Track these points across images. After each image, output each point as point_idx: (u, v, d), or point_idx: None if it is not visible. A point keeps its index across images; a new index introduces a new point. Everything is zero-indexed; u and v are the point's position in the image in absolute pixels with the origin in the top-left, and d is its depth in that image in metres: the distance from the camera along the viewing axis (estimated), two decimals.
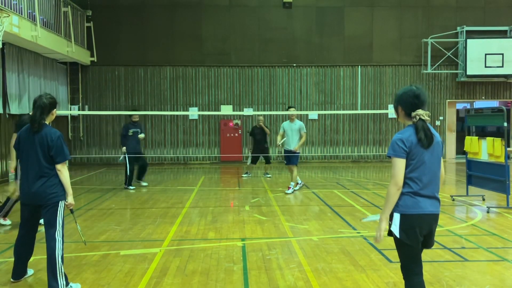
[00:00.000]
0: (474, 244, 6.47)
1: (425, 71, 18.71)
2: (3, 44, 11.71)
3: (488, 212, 8.71)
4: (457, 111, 19.83)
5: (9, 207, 7.70)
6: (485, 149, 9.32)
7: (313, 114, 18.72)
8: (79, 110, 18.39)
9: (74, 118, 18.51)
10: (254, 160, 14.00)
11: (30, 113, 5.06)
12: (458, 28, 18.89)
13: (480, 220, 8.03)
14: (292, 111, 11.25)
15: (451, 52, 18.70)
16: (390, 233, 3.61)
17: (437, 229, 3.72)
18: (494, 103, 19.84)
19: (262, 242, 6.65)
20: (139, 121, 12.28)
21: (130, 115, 12.19)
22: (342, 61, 18.99)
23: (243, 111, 18.72)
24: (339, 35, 18.92)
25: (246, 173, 14.33)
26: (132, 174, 11.94)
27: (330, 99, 19.07)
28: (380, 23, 18.94)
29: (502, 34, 18.76)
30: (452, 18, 18.99)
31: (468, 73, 18.28)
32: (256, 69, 18.89)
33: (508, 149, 8.84)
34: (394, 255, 3.84)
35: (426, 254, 5.56)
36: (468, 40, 18.18)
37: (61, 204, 4.74)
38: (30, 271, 5.21)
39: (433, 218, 3.55)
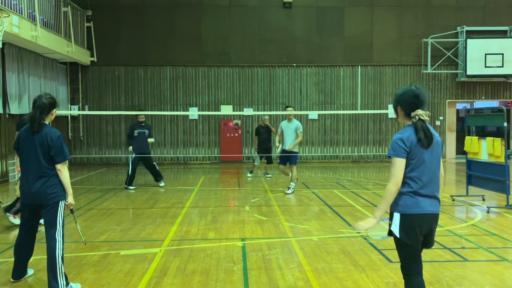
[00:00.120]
0: (474, 244, 6.47)
1: (425, 71, 18.71)
2: (3, 44, 11.70)
3: (488, 212, 8.71)
4: (457, 111, 19.83)
5: (20, 206, 7.71)
6: (485, 149, 9.32)
7: (313, 114, 18.72)
8: (79, 110, 18.39)
9: (74, 118, 18.51)
10: (260, 159, 14.05)
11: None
12: (458, 28, 18.90)
13: (480, 220, 8.03)
14: (290, 111, 11.20)
15: (451, 52, 18.70)
16: (390, 233, 3.62)
17: (437, 229, 3.72)
18: (494, 103, 19.84)
19: (262, 242, 6.65)
20: (145, 121, 12.13)
21: (136, 115, 12.09)
22: (342, 61, 18.99)
23: (243, 111, 18.72)
24: (339, 35, 18.92)
25: (251, 172, 14.33)
26: (133, 175, 11.86)
27: (330, 99, 19.08)
28: (380, 23, 18.94)
29: (502, 34, 18.76)
30: (452, 18, 18.99)
31: (468, 73, 18.29)
32: (256, 69, 18.89)
33: (508, 150, 8.84)
34: (394, 255, 3.85)
35: (426, 254, 5.56)
36: (468, 40, 18.18)
37: (61, 204, 4.74)
38: (30, 271, 5.21)
39: (433, 218, 3.55)
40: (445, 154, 19.20)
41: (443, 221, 7.77)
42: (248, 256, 5.95)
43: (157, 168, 12.11)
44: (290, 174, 11.23)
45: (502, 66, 18.09)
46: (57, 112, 5.01)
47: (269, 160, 14.19)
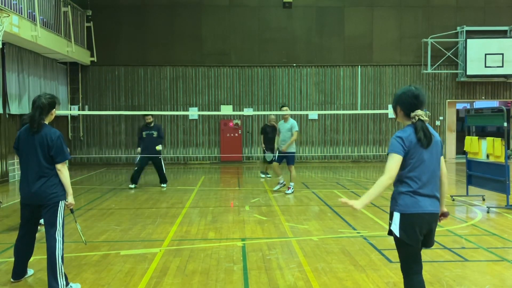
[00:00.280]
0: (474, 244, 6.47)
1: (425, 71, 18.71)
2: (3, 44, 11.70)
3: (488, 212, 8.71)
4: (457, 111, 19.83)
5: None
6: (485, 149, 9.32)
7: (313, 114, 18.72)
8: (79, 110, 18.39)
9: (74, 118, 18.51)
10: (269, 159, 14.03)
11: None
12: (458, 28, 18.89)
13: (480, 220, 8.03)
14: (285, 110, 11.02)
15: (451, 52, 18.70)
16: (390, 233, 3.62)
17: (437, 229, 3.73)
18: (494, 103, 19.84)
19: (262, 242, 6.65)
20: (154, 122, 12.11)
21: (144, 117, 12.20)
22: (342, 61, 18.99)
23: (243, 111, 18.72)
24: (339, 35, 18.92)
25: (264, 173, 14.20)
26: (136, 174, 11.93)
27: (330, 99, 19.07)
28: (380, 23, 18.94)
29: (502, 34, 18.76)
30: (452, 18, 18.99)
31: (468, 73, 18.29)
32: (256, 69, 18.89)
33: (508, 150, 8.84)
34: (394, 255, 3.85)
35: (426, 254, 5.56)
36: (468, 40, 18.18)
37: (61, 204, 4.74)
38: (30, 271, 5.21)
39: (433, 217, 3.56)
40: (445, 154, 19.19)
41: (443, 221, 7.75)
42: (248, 256, 5.95)
43: (164, 172, 12.16)
44: (281, 174, 11.19)
45: (502, 66, 18.09)
46: (57, 112, 5.01)
47: (271, 160, 14.17)
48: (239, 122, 18.70)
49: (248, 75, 18.90)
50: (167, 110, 18.59)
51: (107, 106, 18.52)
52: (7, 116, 13.30)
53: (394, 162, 3.45)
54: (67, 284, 4.70)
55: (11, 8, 11.70)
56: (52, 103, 4.83)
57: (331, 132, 19.11)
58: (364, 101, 19.06)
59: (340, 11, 18.89)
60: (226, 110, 18.59)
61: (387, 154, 3.53)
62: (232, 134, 18.65)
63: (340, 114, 18.70)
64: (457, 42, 18.79)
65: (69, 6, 16.07)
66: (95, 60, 18.32)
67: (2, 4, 11.17)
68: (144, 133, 11.83)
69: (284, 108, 11.16)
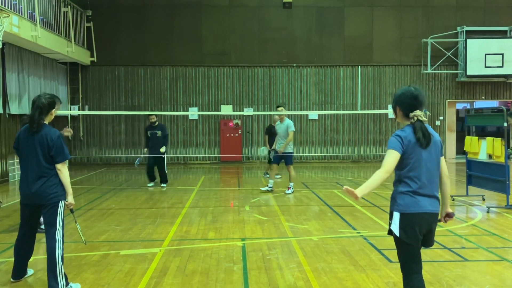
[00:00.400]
0: (474, 244, 6.47)
1: (425, 71, 18.71)
2: (3, 44, 11.70)
3: (488, 212, 8.71)
4: (457, 111, 19.83)
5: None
6: (485, 149, 9.32)
7: (313, 114, 18.72)
8: (79, 110, 18.39)
9: (74, 118, 18.51)
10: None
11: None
12: (458, 28, 18.89)
13: (480, 220, 8.04)
14: (280, 111, 10.94)
15: (451, 52, 18.70)
16: (390, 232, 3.63)
17: (437, 229, 3.74)
18: (494, 103, 19.84)
19: (262, 242, 6.65)
20: (158, 121, 12.21)
21: (148, 116, 12.34)
22: (342, 61, 18.98)
23: (243, 111, 18.72)
24: (339, 35, 18.92)
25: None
26: (149, 170, 12.12)
27: (330, 99, 19.07)
28: (380, 23, 18.94)
29: (502, 34, 18.76)
30: (452, 18, 18.99)
31: (468, 73, 18.29)
32: (256, 69, 18.89)
33: (508, 149, 8.85)
34: (394, 255, 3.85)
35: (426, 254, 5.57)
36: (468, 40, 18.18)
37: (61, 204, 4.74)
38: (30, 271, 5.21)
39: (433, 217, 3.57)
40: (445, 154, 19.17)
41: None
42: (248, 256, 5.95)
43: (166, 172, 12.22)
44: (275, 174, 11.14)
45: (502, 66, 18.09)
46: (57, 112, 5.01)
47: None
48: (239, 122, 18.70)
49: (248, 75, 18.90)
50: (167, 110, 18.59)
51: (107, 106, 18.52)
52: (7, 116, 13.30)
53: (391, 157, 3.48)
54: (67, 284, 4.70)
55: (11, 8, 11.70)
56: (52, 103, 4.83)
57: (331, 132, 19.10)
58: (364, 101, 19.06)
59: (340, 11, 18.89)
60: (226, 110, 18.59)
61: (386, 152, 3.57)
62: (232, 134, 18.66)
63: (340, 114, 18.71)
64: (457, 42, 18.79)
65: (69, 6, 16.07)
66: (95, 60, 18.32)
67: (2, 4, 11.17)
68: (148, 132, 12.05)
69: (280, 108, 11.07)
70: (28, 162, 4.73)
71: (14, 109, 13.54)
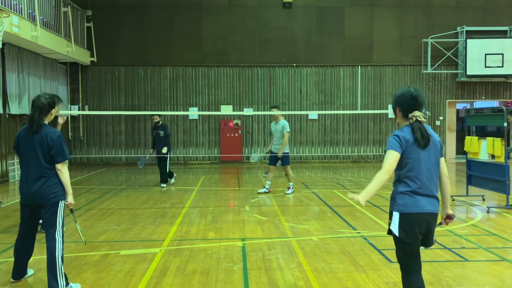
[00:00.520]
0: (474, 244, 6.47)
1: (425, 71, 18.71)
2: (3, 44, 11.71)
3: (488, 212, 8.71)
4: (457, 111, 19.83)
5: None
6: (485, 149, 9.32)
7: (313, 114, 18.72)
8: (79, 110, 18.39)
9: (74, 118, 18.51)
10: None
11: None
12: (458, 28, 18.89)
13: (480, 220, 8.03)
14: (274, 111, 10.90)
15: (451, 52, 18.70)
16: (390, 232, 3.64)
17: (437, 229, 3.73)
18: (494, 103, 19.84)
19: (262, 242, 6.65)
20: (161, 121, 12.24)
21: (151, 116, 12.56)
22: (342, 61, 18.99)
23: (243, 111, 18.72)
24: (339, 35, 18.92)
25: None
26: (161, 172, 12.19)
27: (330, 99, 19.07)
28: (380, 23, 18.94)
29: (502, 34, 18.77)
30: (452, 18, 18.99)
31: (468, 73, 18.29)
32: (256, 69, 18.89)
33: (508, 148, 8.85)
34: (394, 255, 3.85)
35: (426, 254, 5.57)
36: (468, 40, 18.19)
37: (61, 204, 4.74)
38: (30, 271, 5.21)
39: (432, 217, 3.58)
40: (445, 154, 19.19)
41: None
42: (248, 256, 5.95)
43: (167, 172, 12.23)
44: (272, 175, 11.09)
45: (502, 66, 18.09)
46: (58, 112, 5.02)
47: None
48: (239, 122, 18.70)
49: (248, 75, 18.90)
50: (167, 110, 18.59)
51: (107, 106, 18.52)
52: (7, 116, 13.31)
53: (391, 157, 3.50)
54: (67, 284, 4.70)
55: (11, 8, 11.70)
56: (52, 103, 4.83)
57: (331, 132, 19.11)
58: (364, 101, 19.06)
59: (340, 11, 18.89)
60: (226, 110, 18.59)
61: (385, 152, 3.57)
62: (232, 134, 18.66)
63: (340, 114, 18.70)
64: (457, 42, 18.79)
65: (69, 6, 16.07)
66: (95, 60, 18.32)
67: (2, 4, 11.17)
68: (154, 132, 12.17)
69: (274, 109, 11.04)
70: (28, 162, 4.73)
71: (14, 109, 13.54)
